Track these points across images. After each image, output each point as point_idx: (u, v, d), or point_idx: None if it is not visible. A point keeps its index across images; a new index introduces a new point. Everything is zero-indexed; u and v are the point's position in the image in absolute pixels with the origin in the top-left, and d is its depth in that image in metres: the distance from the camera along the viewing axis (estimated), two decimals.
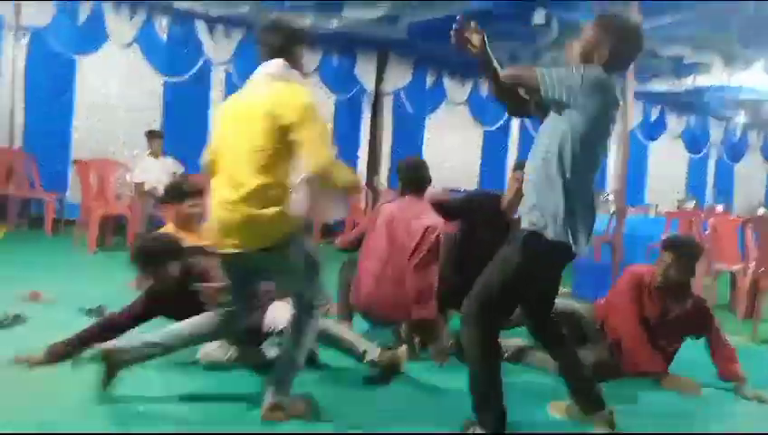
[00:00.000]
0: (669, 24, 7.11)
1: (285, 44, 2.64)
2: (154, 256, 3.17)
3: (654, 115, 12.34)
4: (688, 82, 9.82)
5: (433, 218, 3.72)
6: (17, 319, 3.58)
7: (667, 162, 12.69)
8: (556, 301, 2.79)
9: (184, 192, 4.12)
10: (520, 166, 3.51)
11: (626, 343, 3.43)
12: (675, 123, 12.62)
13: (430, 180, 3.93)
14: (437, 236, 3.64)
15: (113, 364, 2.67)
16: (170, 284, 3.17)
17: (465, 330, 2.51)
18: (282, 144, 2.50)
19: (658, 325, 3.45)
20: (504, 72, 2.48)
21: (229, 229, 2.55)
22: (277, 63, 2.61)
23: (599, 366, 3.20)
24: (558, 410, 2.86)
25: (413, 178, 3.87)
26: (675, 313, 3.43)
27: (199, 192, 4.24)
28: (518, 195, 3.41)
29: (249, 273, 2.72)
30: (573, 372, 2.74)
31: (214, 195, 2.62)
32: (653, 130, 12.35)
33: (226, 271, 2.77)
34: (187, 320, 2.83)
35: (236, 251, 2.57)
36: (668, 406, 3.21)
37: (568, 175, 2.39)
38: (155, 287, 3.23)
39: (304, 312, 2.68)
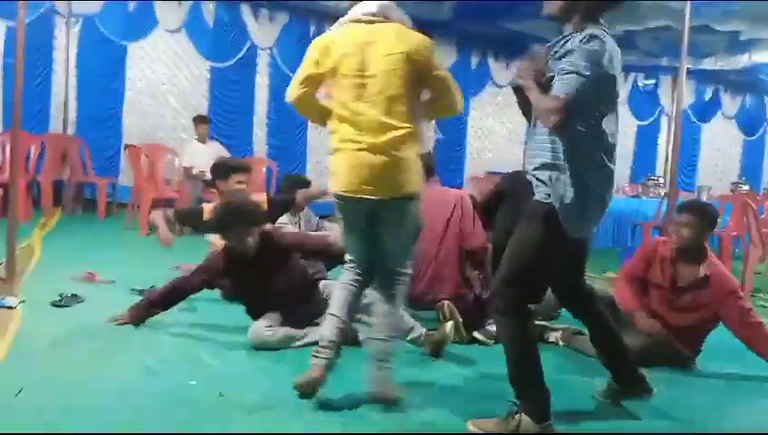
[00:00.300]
0: None
1: None
2: (240, 218, 3.25)
3: (707, 95, 11.92)
4: (744, 60, 9.45)
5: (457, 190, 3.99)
6: (75, 298, 3.70)
7: (721, 144, 12.27)
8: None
9: (230, 168, 4.20)
10: None
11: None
12: (729, 103, 12.17)
13: (435, 168, 4.03)
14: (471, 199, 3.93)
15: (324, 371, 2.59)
16: (249, 250, 3.25)
17: (495, 316, 2.49)
18: (415, 86, 2.50)
19: (671, 295, 3.36)
20: (554, 124, 2.22)
21: (371, 173, 2.47)
22: (387, 4, 2.54)
23: (647, 350, 3.17)
24: (600, 392, 2.82)
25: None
26: (686, 280, 3.33)
27: (245, 168, 4.32)
28: None
29: (374, 225, 2.59)
30: (610, 350, 2.67)
31: (342, 137, 2.51)
32: (706, 110, 11.93)
33: (351, 222, 2.64)
34: (335, 294, 2.72)
35: (373, 198, 2.48)
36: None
37: (576, 152, 2.26)
38: (234, 249, 3.31)
39: (394, 279, 2.66)
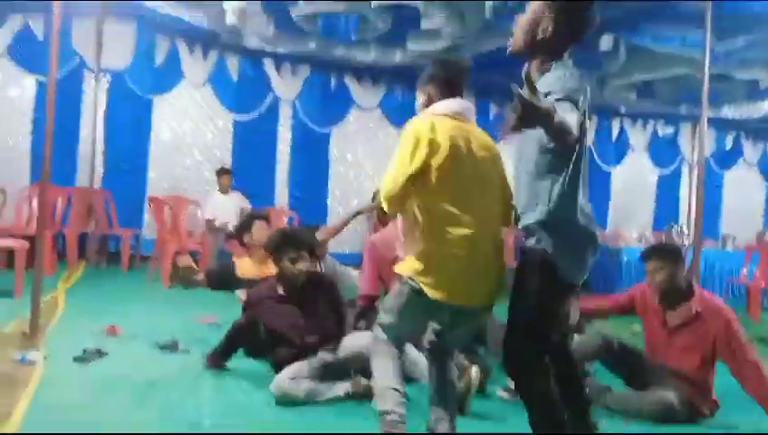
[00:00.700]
0: (744, 47, 6.87)
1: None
2: (293, 240, 3.44)
3: (728, 143, 11.85)
4: (765, 107, 9.41)
5: None
6: (98, 354, 3.67)
7: (744, 192, 12.12)
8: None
9: (250, 216, 4.26)
10: None
11: None
12: (751, 150, 12.07)
13: None
14: None
15: None
16: (299, 275, 3.35)
17: (510, 375, 2.47)
18: None
19: (668, 339, 3.35)
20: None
21: (487, 282, 2.42)
22: (470, 105, 2.61)
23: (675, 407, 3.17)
24: None
25: None
26: (675, 322, 3.32)
27: (263, 216, 4.39)
28: None
29: (453, 322, 2.56)
30: (570, 390, 2.53)
31: (452, 239, 2.34)
32: (727, 158, 11.83)
33: (424, 318, 2.55)
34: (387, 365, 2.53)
35: (476, 305, 2.45)
36: None
37: (568, 194, 2.18)
38: (284, 273, 3.42)
39: (448, 358, 2.64)
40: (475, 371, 3.15)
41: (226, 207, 7.57)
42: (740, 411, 3.33)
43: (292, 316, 3.46)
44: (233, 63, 8.62)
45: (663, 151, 11.29)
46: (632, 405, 3.27)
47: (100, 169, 7.98)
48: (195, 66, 8.37)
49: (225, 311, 4.87)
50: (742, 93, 9.06)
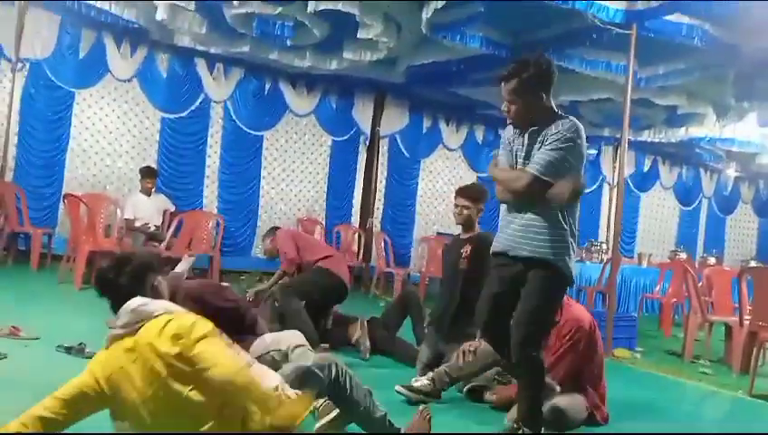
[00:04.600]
0: (664, 75, 7.21)
1: None
2: None
3: (646, 166, 12.40)
4: (681, 133, 9.89)
5: None
6: None
7: (659, 213, 12.72)
8: None
9: None
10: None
11: None
12: (667, 174, 12.68)
13: None
14: None
15: None
16: None
17: (527, 362, 2.80)
18: None
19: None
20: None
21: None
22: None
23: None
24: None
25: None
26: None
27: None
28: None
29: None
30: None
31: None
32: (645, 180, 12.39)
33: None
34: None
35: None
36: None
37: (574, 226, 3.16)
38: None
39: None
40: None
41: (148, 209, 7.30)
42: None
43: None
44: (163, 61, 8.37)
45: (586, 172, 11.68)
46: None
47: (12, 163, 7.56)
48: (122, 61, 8.07)
49: None
50: (661, 118, 9.49)
